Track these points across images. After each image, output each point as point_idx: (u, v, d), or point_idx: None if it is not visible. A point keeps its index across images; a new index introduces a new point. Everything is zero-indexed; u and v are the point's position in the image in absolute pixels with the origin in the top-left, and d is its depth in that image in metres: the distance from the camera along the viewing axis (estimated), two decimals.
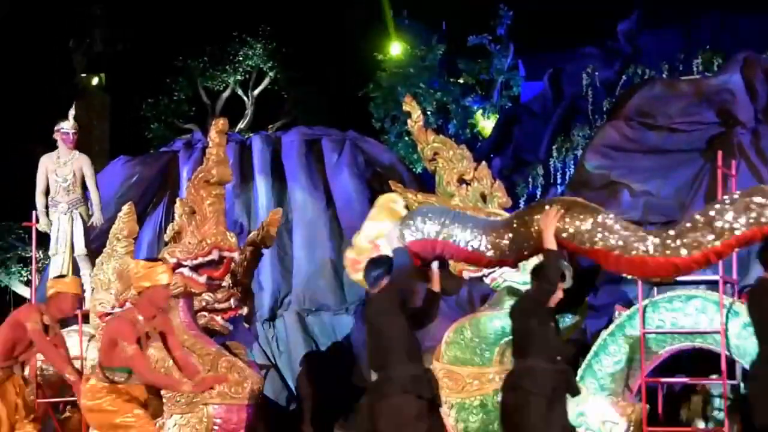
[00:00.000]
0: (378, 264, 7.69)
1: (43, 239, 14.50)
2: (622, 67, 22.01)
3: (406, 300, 7.58)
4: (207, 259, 10.84)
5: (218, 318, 11.45)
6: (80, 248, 12.85)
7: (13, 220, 22.60)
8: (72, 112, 13.47)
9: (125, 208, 11.68)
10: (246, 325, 12.82)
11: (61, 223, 12.98)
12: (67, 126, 13.37)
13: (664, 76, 19.54)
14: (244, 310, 11.44)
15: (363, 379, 14.67)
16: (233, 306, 11.29)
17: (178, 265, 10.86)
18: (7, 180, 24.10)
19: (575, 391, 7.83)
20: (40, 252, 15.34)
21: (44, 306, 9.57)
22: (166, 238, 11.69)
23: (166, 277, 8.55)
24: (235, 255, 11.05)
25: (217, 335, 11.27)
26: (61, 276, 10.72)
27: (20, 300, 22.61)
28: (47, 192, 13.20)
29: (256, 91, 28.62)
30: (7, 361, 9.46)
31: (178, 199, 11.63)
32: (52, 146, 13.62)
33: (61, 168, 13.15)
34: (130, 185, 17.89)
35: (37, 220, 13.08)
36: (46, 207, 13.18)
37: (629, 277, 8.78)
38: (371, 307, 7.74)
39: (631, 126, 16.37)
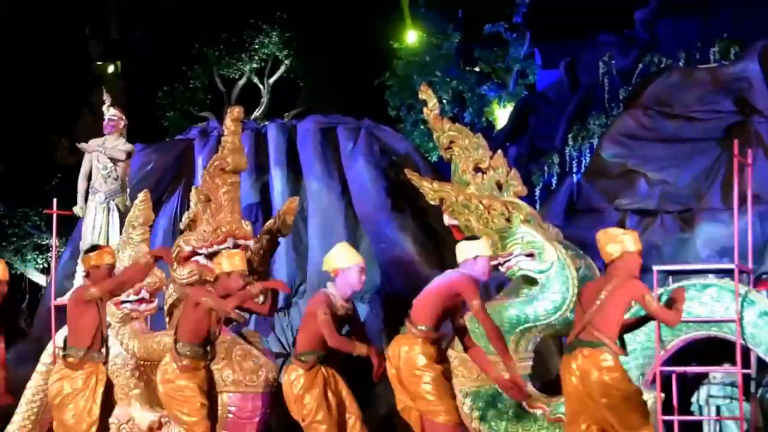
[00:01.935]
0: None
1: (61, 227, 14.47)
2: (639, 56, 21.91)
3: None
4: (222, 247, 10.87)
5: None
6: (115, 241, 12.69)
7: (29, 208, 22.68)
8: (105, 98, 13.34)
9: (141, 195, 11.69)
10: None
11: (97, 214, 12.82)
12: (105, 111, 13.26)
13: (681, 64, 19.45)
14: (260, 299, 11.44)
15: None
16: None
17: (194, 253, 10.91)
18: (23, 168, 24.20)
19: None
20: (56, 240, 15.35)
21: None
22: (181, 226, 11.73)
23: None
24: (250, 243, 11.08)
25: (233, 323, 11.29)
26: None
27: (35, 288, 22.71)
28: (90, 177, 13.04)
29: (272, 80, 28.62)
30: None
31: (193, 187, 11.66)
32: (66, 134, 13.58)
33: (102, 156, 12.98)
34: (146, 173, 17.89)
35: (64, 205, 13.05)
36: (87, 192, 13.04)
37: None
38: None
39: (647, 114, 16.32)
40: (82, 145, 13.18)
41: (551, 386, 11.15)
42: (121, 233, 12.52)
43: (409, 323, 8.55)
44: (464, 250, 8.80)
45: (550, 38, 27.39)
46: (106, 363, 9.30)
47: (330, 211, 17.21)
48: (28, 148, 25.11)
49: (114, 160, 12.98)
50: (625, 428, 7.76)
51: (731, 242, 10.82)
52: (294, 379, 8.80)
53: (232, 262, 9.12)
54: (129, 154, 13.16)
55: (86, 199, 13.03)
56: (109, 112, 13.17)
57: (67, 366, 8.98)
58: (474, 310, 8.48)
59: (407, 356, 8.47)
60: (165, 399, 9.13)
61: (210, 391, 9.13)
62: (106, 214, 12.74)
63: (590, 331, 7.92)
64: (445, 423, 8.43)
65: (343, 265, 8.83)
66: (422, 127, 25.49)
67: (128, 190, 13.12)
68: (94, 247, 9.42)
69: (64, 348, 9.07)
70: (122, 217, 12.72)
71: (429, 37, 28.16)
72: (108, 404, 9.15)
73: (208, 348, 9.08)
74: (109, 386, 9.15)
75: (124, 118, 13.21)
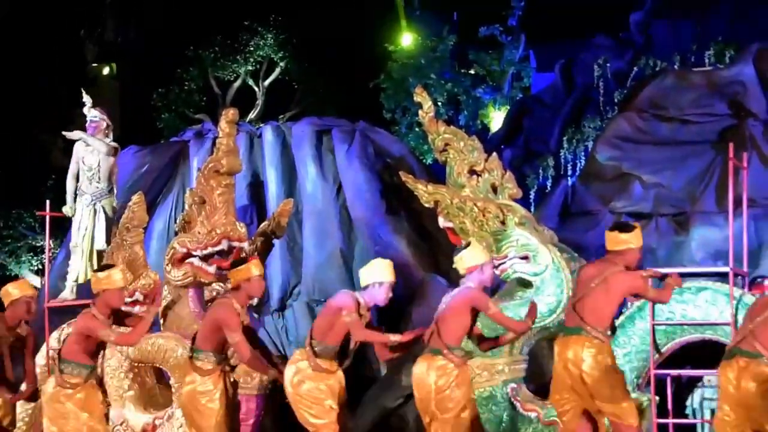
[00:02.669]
0: None
1: (55, 229, 14.40)
2: (633, 58, 21.94)
3: None
4: (216, 249, 10.87)
5: None
6: (101, 243, 12.59)
7: (23, 209, 22.65)
8: (85, 99, 13.28)
9: (135, 197, 11.66)
10: (256, 315, 12.82)
11: (83, 216, 12.75)
12: (86, 113, 13.18)
13: (675, 67, 19.47)
14: (254, 301, 11.43)
15: (372, 369, 14.67)
16: None
17: (188, 254, 10.89)
18: (17, 169, 24.18)
19: None
20: (51, 241, 15.32)
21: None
22: (176, 227, 11.71)
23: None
24: (245, 245, 11.06)
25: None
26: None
27: None
28: (78, 178, 12.97)
29: (267, 82, 28.62)
30: None
31: (188, 189, 11.65)
32: (61, 136, 13.51)
33: (88, 156, 12.89)
34: (141, 175, 17.89)
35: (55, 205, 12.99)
36: (75, 193, 12.98)
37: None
38: None
39: (642, 117, 16.33)
40: (69, 134, 13.14)
41: (545, 389, 11.15)
42: (107, 235, 12.49)
43: (589, 326, 8.29)
44: (619, 239, 8.48)
45: (545, 41, 27.42)
46: (232, 368, 9.30)
47: (324, 214, 17.22)
48: (23, 149, 25.10)
49: (100, 161, 12.85)
50: None
51: (726, 245, 10.82)
52: (442, 372, 8.46)
53: (386, 272, 8.99)
54: (113, 151, 12.99)
55: (75, 200, 12.98)
56: (90, 114, 13.07)
57: (196, 371, 8.87)
58: (651, 299, 8.62)
59: (596, 360, 8.29)
60: (293, 399, 8.92)
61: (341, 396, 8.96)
62: (92, 216, 12.66)
63: (750, 341, 8.06)
64: (632, 425, 8.34)
65: (480, 261, 8.69)
66: (417, 129, 25.50)
67: (115, 191, 13.04)
68: (241, 261, 9.27)
69: (193, 352, 8.95)
70: (108, 219, 12.64)
71: (424, 39, 28.18)
72: (235, 405, 9.15)
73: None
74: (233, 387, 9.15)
75: (106, 118, 13.10)
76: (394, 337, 8.75)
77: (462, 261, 8.69)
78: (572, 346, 8.34)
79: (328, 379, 8.84)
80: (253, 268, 9.02)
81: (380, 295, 8.90)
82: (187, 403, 8.91)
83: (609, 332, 8.41)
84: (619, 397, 8.34)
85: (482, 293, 8.64)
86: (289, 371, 8.93)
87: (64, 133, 13.33)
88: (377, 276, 8.91)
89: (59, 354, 8.86)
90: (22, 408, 11.73)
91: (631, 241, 8.37)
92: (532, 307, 8.60)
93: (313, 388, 8.79)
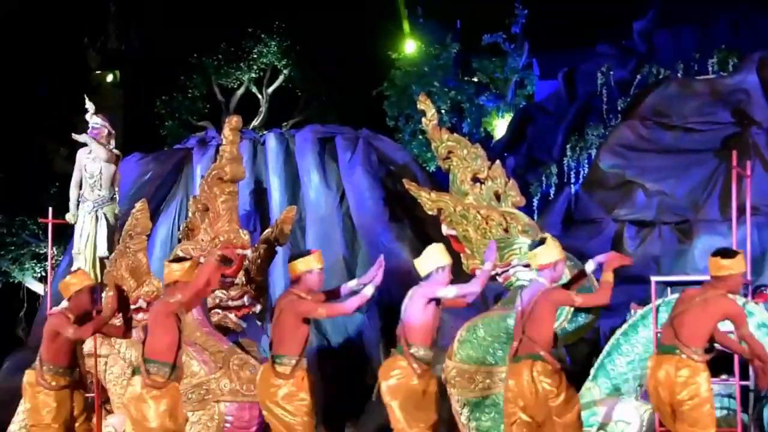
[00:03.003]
0: None
1: (59, 236, 14.39)
2: (636, 67, 21.96)
3: None
4: None
5: (231, 315, 11.46)
6: (102, 250, 12.59)
7: (27, 216, 22.66)
8: (88, 106, 13.27)
9: (138, 204, 11.66)
10: (259, 323, 12.81)
11: (85, 223, 12.75)
12: (88, 120, 13.20)
13: (679, 75, 19.48)
14: (258, 308, 11.44)
15: (375, 377, 14.65)
16: (246, 303, 11.30)
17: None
18: (20, 176, 24.19)
19: None
20: (54, 248, 15.31)
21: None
22: (179, 235, 11.71)
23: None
24: (248, 252, 11.08)
25: (230, 333, 11.28)
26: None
27: (33, 296, 22.69)
28: (81, 185, 12.98)
29: (271, 89, 28.64)
30: None
31: (191, 197, 11.66)
32: (64, 143, 13.51)
33: (90, 163, 12.90)
34: (144, 182, 17.89)
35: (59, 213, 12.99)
36: (78, 200, 12.99)
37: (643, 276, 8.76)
38: None
39: (645, 125, 16.35)
40: (77, 136, 13.15)
41: None
42: (108, 243, 12.48)
43: (684, 346, 8.19)
44: (720, 265, 8.31)
45: (549, 49, 27.43)
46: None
47: (328, 221, 17.21)
48: (26, 156, 25.11)
49: (102, 169, 12.85)
50: None
51: None
52: (546, 376, 8.35)
53: (445, 256, 8.89)
54: (115, 158, 12.97)
55: (78, 207, 13.00)
56: (93, 120, 13.08)
57: (279, 376, 8.89)
58: (742, 334, 8.31)
59: (688, 382, 8.21)
60: (393, 398, 8.89)
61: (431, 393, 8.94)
62: (93, 222, 12.66)
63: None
64: None
65: (554, 258, 8.59)
66: (420, 137, 25.53)
67: (117, 198, 13.04)
68: (301, 254, 9.28)
69: (274, 358, 8.95)
70: (110, 226, 12.63)
71: (427, 47, 28.21)
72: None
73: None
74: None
75: (108, 125, 13.10)
76: (484, 268, 8.92)
77: (536, 257, 8.64)
78: (665, 365, 8.28)
79: (428, 381, 8.82)
80: (315, 260, 9.04)
81: (445, 279, 8.83)
82: (273, 407, 8.93)
83: (705, 352, 8.28)
84: (703, 424, 8.23)
85: (562, 290, 8.63)
86: (387, 372, 8.90)
87: (72, 134, 13.35)
88: (438, 261, 8.81)
89: (143, 355, 8.84)
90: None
91: (732, 267, 8.25)
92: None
93: (413, 388, 8.74)
